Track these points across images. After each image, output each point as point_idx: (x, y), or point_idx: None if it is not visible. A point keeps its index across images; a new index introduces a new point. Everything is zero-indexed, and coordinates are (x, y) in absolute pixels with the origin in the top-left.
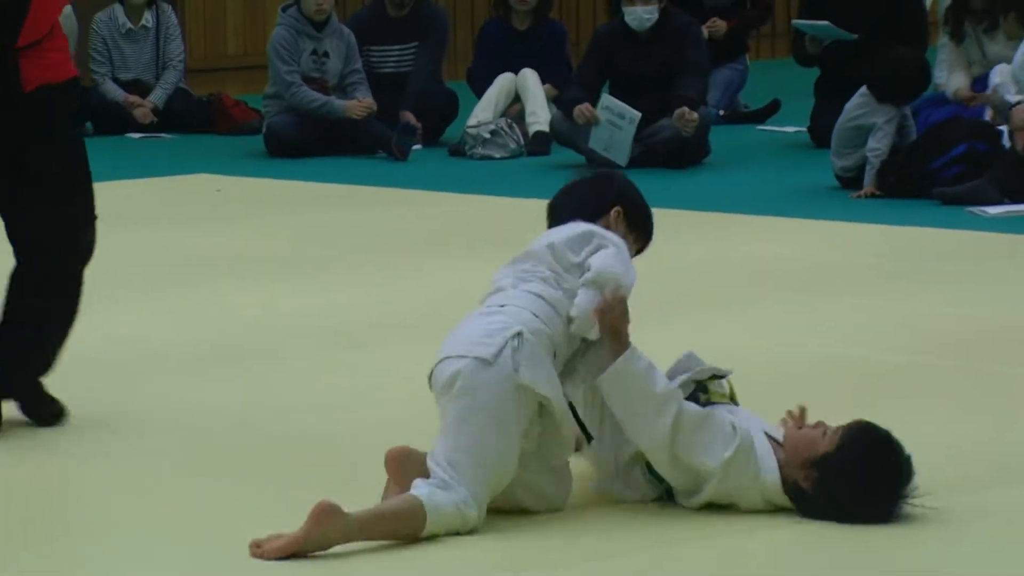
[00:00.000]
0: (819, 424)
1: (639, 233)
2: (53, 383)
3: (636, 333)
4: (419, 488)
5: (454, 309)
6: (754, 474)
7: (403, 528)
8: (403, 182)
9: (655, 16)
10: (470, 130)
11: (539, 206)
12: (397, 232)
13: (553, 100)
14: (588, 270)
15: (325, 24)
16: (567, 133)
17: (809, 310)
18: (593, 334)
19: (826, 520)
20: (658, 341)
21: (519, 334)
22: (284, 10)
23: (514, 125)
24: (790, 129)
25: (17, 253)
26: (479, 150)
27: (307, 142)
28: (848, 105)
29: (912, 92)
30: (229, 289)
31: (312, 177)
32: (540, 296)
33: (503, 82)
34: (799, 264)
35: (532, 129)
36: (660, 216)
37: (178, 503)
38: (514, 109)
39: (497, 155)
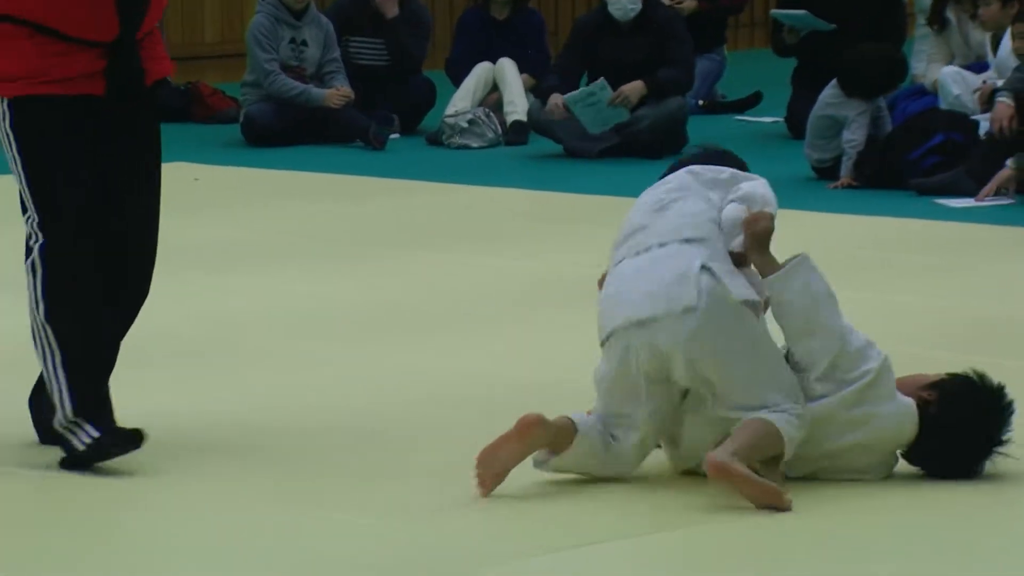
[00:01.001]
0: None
1: None
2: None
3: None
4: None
5: (436, 300)
6: (891, 391)
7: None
8: (381, 171)
9: (639, 6)
10: (448, 119)
11: (517, 195)
12: (376, 222)
13: (531, 90)
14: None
15: (304, 12)
16: (545, 123)
17: None
18: (736, 245)
19: (934, 452)
20: None
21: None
22: None
23: (492, 115)
24: (767, 119)
25: (105, 249)
26: (457, 139)
27: (285, 130)
28: (821, 96)
29: (879, 88)
30: (210, 280)
31: (290, 166)
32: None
33: (481, 71)
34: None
35: (510, 119)
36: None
37: (162, 502)
38: (492, 98)
39: (475, 144)
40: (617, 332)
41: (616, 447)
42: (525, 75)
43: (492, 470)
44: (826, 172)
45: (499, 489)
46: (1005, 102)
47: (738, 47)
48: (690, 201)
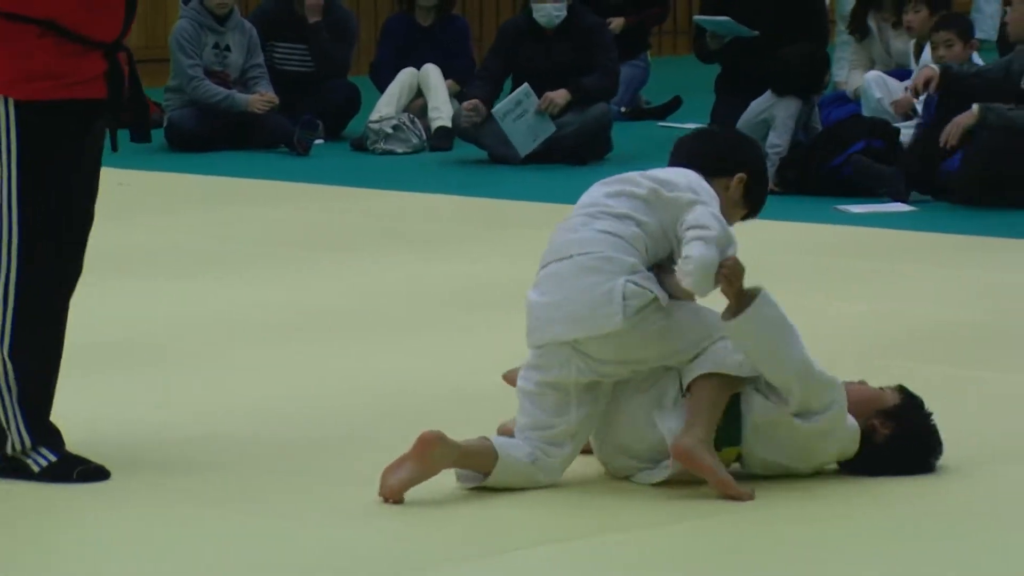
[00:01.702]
0: (862, 382)
1: (752, 207)
2: None
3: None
4: None
5: (362, 306)
6: (843, 415)
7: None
8: (305, 177)
9: (564, 13)
10: (372, 125)
11: (442, 201)
12: (300, 227)
13: (456, 95)
14: (688, 223)
15: (227, 18)
16: (469, 128)
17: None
18: (703, 291)
19: (868, 469)
20: None
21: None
22: (186, 3)
23: (416, 120)
24: (691, 125)
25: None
26: (381, 145)
27: (209, 136)
28: (755, 101)
29: (809, 86)
30: (134, 285)
31: (214, 171)
32: (611, 233)
33: (406, 77)
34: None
35: (434, 124)
36: (560, 212)
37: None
38: (417, 104)
39: (399, 150)
40: (549, 345)
41: (545, 462)
42: (450, 81)
43: (393, 488)
44: None
45: (430, 492)
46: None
47: (662, 53)
48: (621, 222)
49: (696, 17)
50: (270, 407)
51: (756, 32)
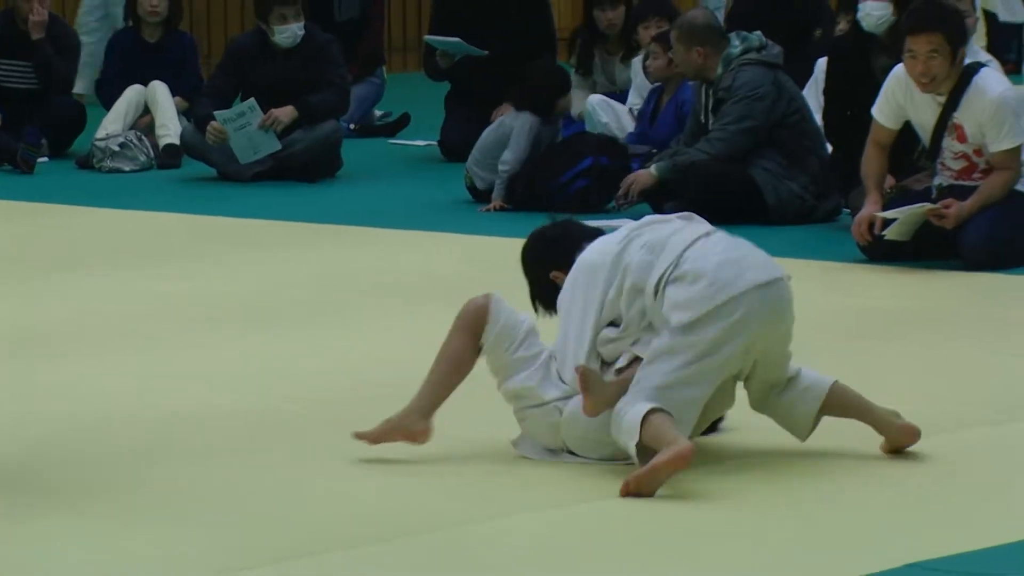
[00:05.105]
0: None
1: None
2: None
3: (241, 338)
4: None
5: (85, 323)
6: None
7: None
8: (30, 195)
9: (303, 31)
10: (99, 143)
11: (170, 219)
12: (23, 245)
13: (184, 112)
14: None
15: None
16: (198, 145)
17: (444, 321)
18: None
19: None
20: (275, 346)
21: None
22: None
23: (144, 138)
24: (421, 143)
25: None
26: (108, 163)
27: None
28: (499, 119)
29: (550, 102)
30: None
31: None
32: None
33: (132, 94)
34: (429, 277)
35: (162, 142)
36: (292, 229)
37: None
38: (144, 121)
39: (127, 168)
40: (738, 296)
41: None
42: (178, 98)
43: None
44: (482, 195)
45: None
46: (651, 173)
47: (392, 70)
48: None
49: (427, 37)
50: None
51: (486, 52)
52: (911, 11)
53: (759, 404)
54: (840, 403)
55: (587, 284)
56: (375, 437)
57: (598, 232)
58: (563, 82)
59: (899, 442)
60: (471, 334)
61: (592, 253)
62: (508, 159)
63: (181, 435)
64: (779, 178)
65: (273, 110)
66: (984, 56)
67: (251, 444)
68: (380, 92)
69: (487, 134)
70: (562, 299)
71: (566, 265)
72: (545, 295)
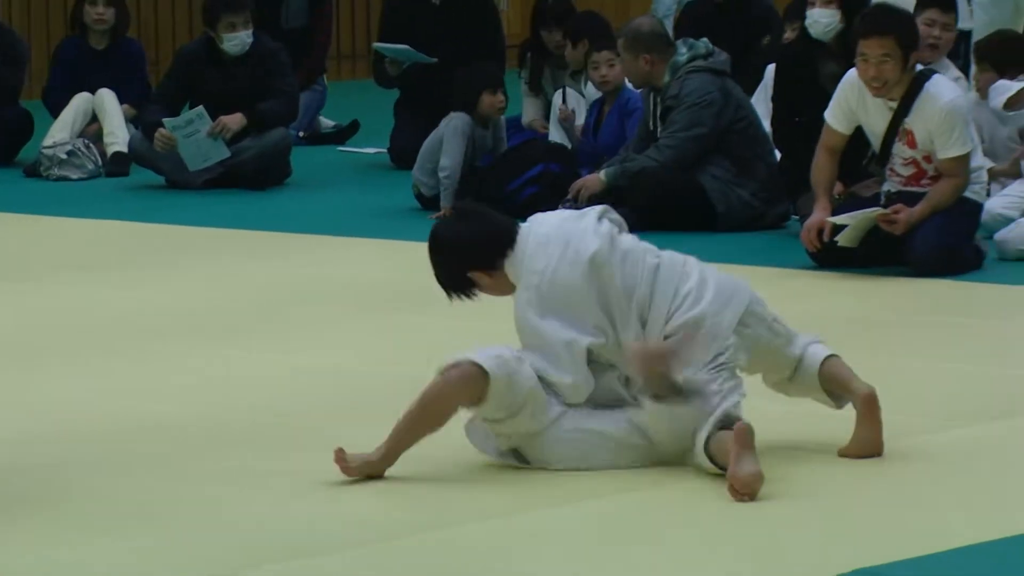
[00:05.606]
0: None
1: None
2: None
3: (193, 348)
4: None
5: (28, 333)
6: None
7: None
8: None
9: (252, 39)
10: (46, 151)
11: (118, 227)
12: None
13: (132, 120)
14: None
15: None
16: (146, 153)
17: (394, 329)
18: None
19: None
20: (228, 356)
21: None
22: None
23: (91, 146)
24: (370, 150)
25: None
26: (56, 171)
27: None
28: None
29: (474, 96)
30: None
31: None
32: None
33: (80, 102)
34: (379, 285)
35: (110, 150)
36: (239, 238)
37: None
38: (92, 129)
39: (74, 176)
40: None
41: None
42: (126, 105)
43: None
44: (431, 201)
45: None
46: (600, 178)
47: (341, 78)
48: None
49: (375, 44)
50: None
51: (435, 59)
52: (864, 15)
53: (781, 391)
54: (829, 377)
55: (564, 301)
56: (348, 470)
57: (514, 229)
58: (487, 78)
59: (866, 410)
60: (467, 399)
61: (563, 269)
62: (445, 164)
63: (140, 445)
64: (728, 185)
65: (222, 117)
66: (955, 73)
67: (211, 453)
68: (323, 99)
69: (427, 142)
70: (530, 319)
71: (489, 268)
72: (460, 287)
